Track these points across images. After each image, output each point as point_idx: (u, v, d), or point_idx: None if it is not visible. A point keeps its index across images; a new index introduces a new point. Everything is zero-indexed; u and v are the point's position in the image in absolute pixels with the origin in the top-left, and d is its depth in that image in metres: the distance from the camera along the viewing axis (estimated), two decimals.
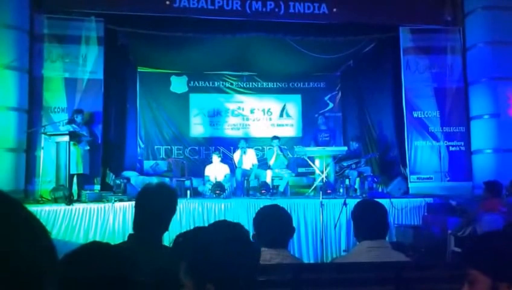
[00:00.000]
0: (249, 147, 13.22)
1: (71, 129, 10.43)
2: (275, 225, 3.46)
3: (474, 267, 1.86)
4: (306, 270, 3.41)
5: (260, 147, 15.55)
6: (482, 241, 2.03)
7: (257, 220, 3.56)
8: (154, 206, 3.19)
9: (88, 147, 10.92)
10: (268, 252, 3.36)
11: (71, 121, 10.80)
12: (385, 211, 3.72)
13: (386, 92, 13.99)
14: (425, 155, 12.29)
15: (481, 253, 1.90)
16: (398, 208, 10.26)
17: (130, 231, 3.19)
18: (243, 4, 11.85)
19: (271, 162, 12.73)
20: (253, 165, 12.79)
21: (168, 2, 11.59)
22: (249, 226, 7.66)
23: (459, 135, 12.38)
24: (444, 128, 12.36)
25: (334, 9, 12.13)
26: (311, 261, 9.49)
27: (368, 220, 3.61)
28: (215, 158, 12.63)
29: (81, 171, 10.73)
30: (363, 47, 14.08)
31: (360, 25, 12.63)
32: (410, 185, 12.04)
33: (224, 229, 1.96)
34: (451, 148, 12.32)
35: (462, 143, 12.33)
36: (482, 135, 12.03)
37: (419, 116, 12.40)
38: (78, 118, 10.81)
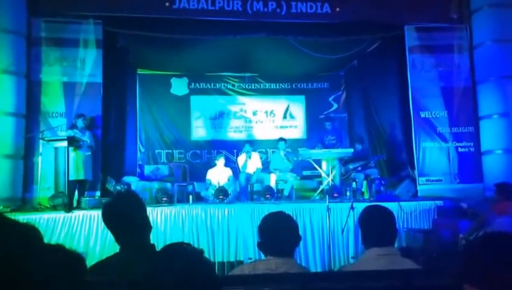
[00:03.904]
0: (253, 151, 12.95)
1: (72, 134, 10.26)
2: (281, 233, 3.40)
3: (465, 282, 1.97)
4: (313, 279, 3.24)
5: (264, 150, 15.33)
6: (467, 255, 2.07)
7: (262, 228, 3.49)
8: (115, 223, 3.22)
9: (89, 153, 10.71)
10: (274, 261, 3.32)
11: (73, 126, 10.65)
12: (393, 217, 3.66)
13: (392, 92, 13.84)
14: (434, 157, 12.12)
15: (467, 268, 2.00)
16: (407, 212, 10.03)
17: None
18: (243, 4, 11.75)
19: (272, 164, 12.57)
20: (256, 169, 12.55)
21: (167, 4, 11.48)
22: (253, 233, 7.31)
23: (468, 135, 12.22)
24: (452, 128, 12.22)
25: (337, 9, 12.04)
26: (319, 268, 9.35)
27: (376, 227, 3.59)
28: (221, 161, 12.43)
29: (81, 177, 10.53)
30: (367, 46, 13.94)
31: (363, 24, 12.45)
32: (418, 187, 11.89)
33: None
34: (460, 149, 12.16)
35: (472, 144, 12.17)
36: (491, 135, 11.88)
37: (427, 116, 12.25)
38: (79, 123, 10.65)
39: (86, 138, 10.63)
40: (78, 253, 2.11)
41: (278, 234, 3.38)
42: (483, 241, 2.08)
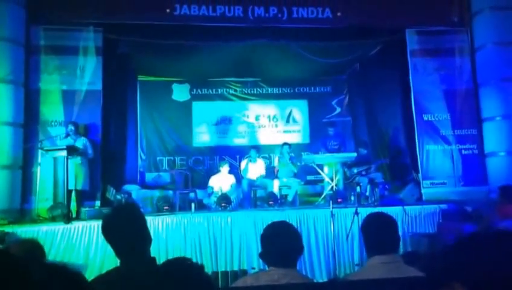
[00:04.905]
0: (258, 157, 12.84)
1: (69, 143, 10.12)
2: (283, 243, 3.39)
3: (455, 280, 1.77)
4: (316, 289, 3.36)
5: (267, 155, 15.24)
6: (463, 251, 1.86)
7: (265, 238, 3.50)
8: (115, 237, 3.13)
9: (80, 161, 10.52)
10: (277, 271, 3.32)
11: (67, 135, 10.54)
12: (395, 224, 3.67)
13: (394, 95, 13.89)
14: (437, 159, 12.12)
15: (458, 265, 1.81)
16: (412, 216, 9.93)
17: None
18: (245, 10, 11.72)
19: (275, 163, 12.47)
20: (260, 175, 12.43)
21: (168, 10, 11.47)
22: (257, 241, 7.25)
23: (471, 137, 12.22)
24: (455, 131, 12.22)
25: (338, 13, 12.07)
26: (324, 274, 9.26)
27: (378, 235, 3.58)
28: (225, 168, 12.27)
29: (79, 187, 10.41)
30: (368, 50, 13.95)
31: (364, 28, 12.40)
32: (423, 191, 11.85)
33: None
34: (464, 152, 12.15)
35: (475, 146, 12.17)
36: (494, 137, 11.89)
37: (430, 119, 12.25)
38: (71, 131, 10.52)
39: (79, 144, 10.48)
40: (79, 273, 2.05)
41: (280, 244, 3.37)
42: (477, 239, 1.92)
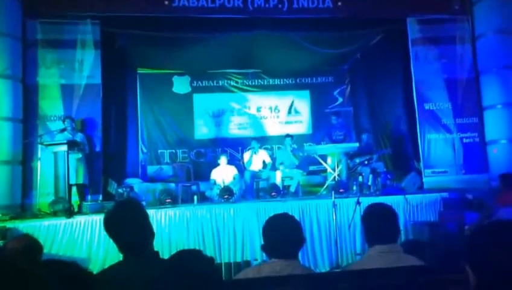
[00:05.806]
0: (260, 148, 12.84)
1: (66, 138, 10.08)
2: (285, 235, 3.42)
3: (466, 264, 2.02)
4: (318, 280, 3.31)
5: (269, 146, 15.20)
6: (470, 239, 2.10)
7: (266, 231, 3.51)
8: (117, 233, 3.12)
9: (80, 155, 10.52)
10: (279, 263, 3.35)
11: (63, 130, 10.47)
12: (395, 214, 3.72)
13: (396, 85, 13.91)
14: (439, 148, 12.14)
15: (468, 251, 2.04)
16: (413, 204, 10.01)
17: None
18: (244, 1, 11.68)
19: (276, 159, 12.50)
20: (267, 164, 12.48)
21: (166, 2, 11.35)
22: (260, 232, 7.28)
23: (473, 126, 12.24)
24: (456, 119, 12.24)
25: (339, 3, 12.00)
26: (326, 264, 9.33)
27: (378, 225, 3.63)
28: (223, 160, 12.27)
29: (80, 181, 10.40)
30: (370, 39, 13.83)
31: (365, 17, 12.43)
32: (424, 179, 11.90)
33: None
34: (465, 140, 12.19)
35: (476, 134, 12.20)
36: (495, 125, 11.92)
37: (431, 108, 12.27)
38: (68, 126, 10.47)
39: (78, 139, 10.43)
40: (82, 268, 2.03)
41: (282, 236, 3.39)
42: (486, 227, 2.11)
